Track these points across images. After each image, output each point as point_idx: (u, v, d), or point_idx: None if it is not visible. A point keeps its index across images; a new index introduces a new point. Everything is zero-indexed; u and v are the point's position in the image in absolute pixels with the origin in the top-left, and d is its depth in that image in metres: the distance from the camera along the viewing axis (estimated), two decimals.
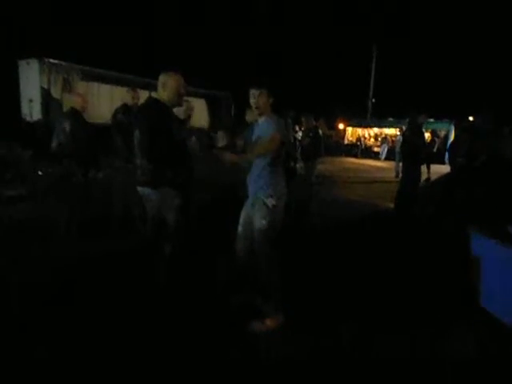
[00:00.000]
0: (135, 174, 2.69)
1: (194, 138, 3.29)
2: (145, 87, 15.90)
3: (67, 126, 4.07)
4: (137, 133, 2.57)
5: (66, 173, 4.04)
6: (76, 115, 4.24)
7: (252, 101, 2.57)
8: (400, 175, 11.12)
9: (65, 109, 13.65)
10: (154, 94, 2.73)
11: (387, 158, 18.32)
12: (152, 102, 2.66)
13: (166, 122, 2.58)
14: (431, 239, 4.62)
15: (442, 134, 17.14)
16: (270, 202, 2.48)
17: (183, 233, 2.72)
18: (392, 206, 6.42)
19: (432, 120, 16.61)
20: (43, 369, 2.01)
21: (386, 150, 19.47)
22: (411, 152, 5.87)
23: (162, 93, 2.65)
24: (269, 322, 2.48)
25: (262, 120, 2.63)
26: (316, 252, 4.08)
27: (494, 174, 4.94)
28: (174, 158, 2.61)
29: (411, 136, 6.03)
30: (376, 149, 21.05)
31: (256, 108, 2.58)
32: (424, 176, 7.19)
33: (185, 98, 4.01)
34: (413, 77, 31.08)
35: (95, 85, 14.70)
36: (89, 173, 4.20)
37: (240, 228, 2.70)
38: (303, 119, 6.54)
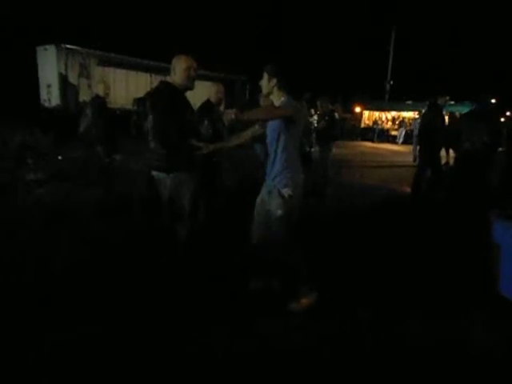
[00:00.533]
0: (149, 159, 2.71)
1: (206, 122, 3.26)
2: (161, 72, 15.97)
3: (89, 112, 4.26)
4: (150, 118, 2.57)
5: (92, 156, 4.24)
6: (98, 101, 4.38)
7: (264, 84, 2.52)
8: (418, 159, 10.91)
9: (81, 94, 13.95)
10: (168, 79, 2.73)
11: (405, 142, 17.93)
12: (164, 86, 2.65)
13: (178, 106, 2.56)
14: (446, 224, 4.55)
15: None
16: (286, 192, 2.43)
17: (198, 217, 2.76)
18: (409, 190, 6.33)
19: (453, 102, 16.06)
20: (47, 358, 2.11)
21: (403, 133, 19.04)
22: (429, 134, 5.74)
23: (173, 76, 2.63)
24: (304, 301, 2.54)
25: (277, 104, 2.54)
26: (330, 236, 4.08)
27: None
28: (186, 141, 2.61)
29: (430, 117, 5.88)
30: (393, 132, 20.60)
31: (269, 91, 2.53)
32: (443, 160, 7.03)
33: (215, 82, 3.98)
34: (432, 59, 29.93)
35: (111, 70, 14.78)
36: (111, 156, 4.37)
37: (255, 213, 2.67)
38: (318, 103, 6.45)
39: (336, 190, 6.38)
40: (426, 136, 5.81)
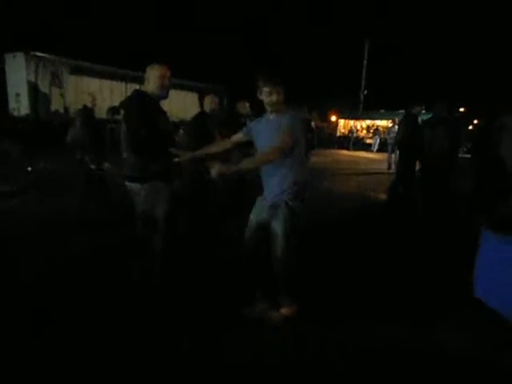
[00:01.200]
0: (123, 169, 2.64)
1: (181, 131, 3.27)
2: (136, 81, 15.78)
3: (78, 122, 4.42)
4: (123, 127, 2.53)
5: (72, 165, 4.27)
6: (86, 112, 4.55)
7: (266, 99, 2.33)
8: (393, 167, 11.22)
9: (54, 103, 13.53)
10: (142, 88, 2.68)
11: (379, 150, 18.40)
12: (137, 95, 2.61)
13: (152, 115, 2.52)
14: (424, 231, 4.67)
15: None
16: (297, 205, 2.35)
17: (174, 227, 2.70)
18: (384, 197, 6.47)
19: (424, 111, 16.68)
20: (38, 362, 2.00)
21: (378, 141, 19.55)
22: (407, 142, 5.91)
23: (147, 85, 2.60)
24: (285, 312, 2.46)
25: (273, 116, 2.40)
26: (308, 244, 4.08)
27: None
28: (161, 151, 2.56)
29: (407, 126, 6.06)
30: (368, 140, 21.12)
31: (270, 106, 2.36)
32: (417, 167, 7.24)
33: (210, 95, 4.10)
34: (404, 69, 31.14)
35: (85, 79, 14.47)
36: (101, 164, 4.43)
37: (253, 218, 2.52)
38: (296, 111, 6.52)
39: (313, 198, 6.42)
40: (404, 145, 5.99)
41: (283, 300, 2.50)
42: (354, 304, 2.80)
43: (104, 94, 14.93)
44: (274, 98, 2.31)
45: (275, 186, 2.39)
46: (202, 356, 2.13)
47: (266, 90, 2.31)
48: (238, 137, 2.63)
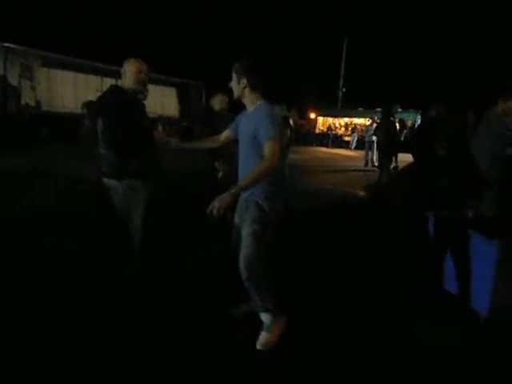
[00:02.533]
0: (99, 166, 2.57)
1: (160, 127, 3.19)
2: (112, 75, 15.36)
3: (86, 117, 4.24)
4: (99, 122, 2.47)
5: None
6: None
7: (233, 89, 2.21)
8: (369, 164, 11.46)
9: (24, 96, 12.99)
10: (119, 83, 2.63)
11: (357, 148, 18.74)
12: (113, 90, 2.56)
13: (129, 110, 2.47)
14: (400, 227, 4.80)
15: (409, 123, 17.73)
16: (267, 204, 2.14)
17: (149, 227, 2.65)
18: (361, 193, 6.63)
19: (400, 110, 17.12)
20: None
21: (355, 139, 19.90)
22: (388, 140, 6.11)
23: (123, 80, 2.56)
24: (267, 338, 2.19)
25: (251, 110, 2.21)
26: (286, 240, 4.12)
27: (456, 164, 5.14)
28: (138, 147, 2.52)
29: (387, 125, 6.26)
30: (346, 138, 21.47)
31: (240, 97, 2.21)
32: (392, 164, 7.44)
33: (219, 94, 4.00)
34: (381, 68, 31.79)
35: (58, 72, 13.96)
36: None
37: (235, 219, 2.36)
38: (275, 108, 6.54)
39: (292, 194, 6.48)
40: (386, 142, 6.20)
41: (263, 317, 2.20)
42: (330, 300, 2.85)
43: (79, 88, 14.49)
44: (236, 86, 2.18)
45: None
46: (193, 354, 2.12)
47: (233, 76, 2.19)
48: (227, 134, 2.51)
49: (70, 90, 14.25)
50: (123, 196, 2.54)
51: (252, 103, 2.19)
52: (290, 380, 1.99)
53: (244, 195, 2.22)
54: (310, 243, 4.10)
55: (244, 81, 2.14)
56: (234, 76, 2.17)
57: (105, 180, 2.58)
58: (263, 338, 2.18)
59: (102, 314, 2.40)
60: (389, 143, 6.17)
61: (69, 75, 14.25)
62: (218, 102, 4.72)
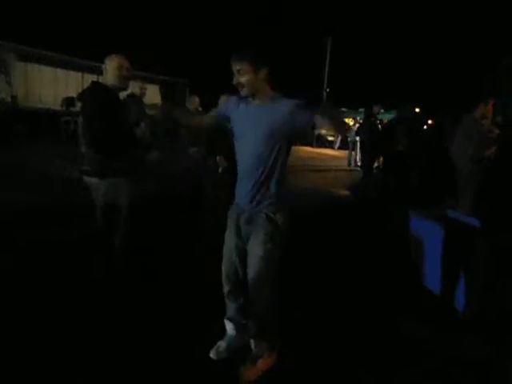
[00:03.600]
0: (81, 164, 2.51)
1: (143, 125, 3.14)
2: (94, 71, 15.01)
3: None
4: (80, 119, 2.43)
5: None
6: None
7: (235, 82, 1.84)
8: (352, 163, 11.62)
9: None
10: (100, 79, 2.59)
11: (340, 147, 18.94)
12: (95, 87, 2.51)
13: (111, 108, 2.42)
14: (381, 226, 4.88)
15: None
16: (279, 218, 1.86)
17: (135, 224, 2.61)
18: (344, 193, 6.73)
19: (383, 111, 17.40)
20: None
21: (339, 139, 20.09)
22: (370, 140, 6.25)
23: (105, 76, 2.51)
24: (261, 364, 1.96)
25: (256, 103, 1.87)
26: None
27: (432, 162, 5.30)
28: (121, 145, 2.47)
29: (370, 125, 6.40)
30: (330, 138, 21.66)
31: (241, 91, 1.84)
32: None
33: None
34: (365, 69, 32.28)
35: (36, 67, 13.54)
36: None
37: (227, 251, 1.99)
38: None
39: None
40: (367, 142, 6.34)
41: (260, 348, 1.96)
42: (311, 299, 2.87)
43: (59, 84, 14.10)
44: (243, 78, 1.79)
45: (252, 194, 1.87)
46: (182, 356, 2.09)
47: (233, 70, 1.82)
48: (212, 120, 2.14)
49: (48, 86, 13.85)
50: (105, 195, 2.49)
51: (265, 96, 1.86)
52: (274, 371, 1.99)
53: (245, 207, 1.90)
54: (291, 243, 4.11)
55: (265, 71, 1.82)
56: (248, 66, 1.78)
57: (86, 178, 2.52)
58: (249, 366, 1.95)
59: (78, 317, 2.34)
60: (371, 143, 6.29)
61: (47, 70, 13.85)
62: (191, 102, 4.80)
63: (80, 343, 2.10)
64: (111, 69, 2.48)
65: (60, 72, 14.18)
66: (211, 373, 1.97)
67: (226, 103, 2.07)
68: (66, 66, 14.32)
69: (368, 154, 6.54)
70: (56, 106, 13.85)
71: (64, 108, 13.92)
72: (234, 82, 1.83)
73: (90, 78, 14.78)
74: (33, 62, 13.31)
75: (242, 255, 1.94)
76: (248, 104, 1.91)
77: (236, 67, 1.81)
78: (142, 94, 4.38)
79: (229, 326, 2.12)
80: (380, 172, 6.37)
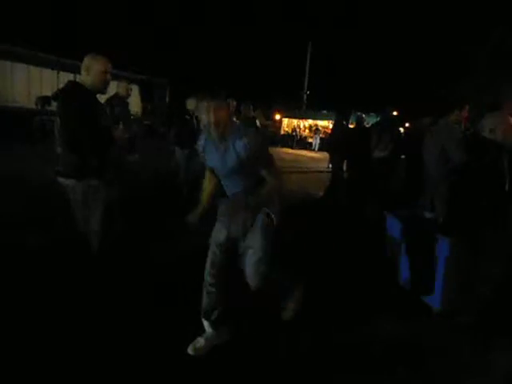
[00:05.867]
0: (56, 165, 2.45)
1: (120, 126, 3.10)
2: (69, 69, 14.61)
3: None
4: (58, 120, 2.37)
5: None
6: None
7: (205, 116, 1.91)
8: (330, 165, 11.80)
9: None
10: (78, 78, 2.51)
11: (320, 149, 19.21)
12: (74, 87, 2.46)
13: (90, 109, 2.38)
14: (357, 226, 4.98)
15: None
16: (274, 217, 2.04)
17: (110, 229, 2.54)
18: (323, 194, 6.84)
19: (359, 113, 17.74)
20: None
21: (318, 140, 20.40)
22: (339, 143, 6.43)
23: (85, 77, 2.43)
24: (293, 305, 2.28)
25: (227, 141, 1.95)
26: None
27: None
28: (99, 146, 2.42)
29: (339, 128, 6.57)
30: (310, 140, 21.95)
31: (215, 126, 1.91)
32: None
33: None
34: (343, 73, 32.88)
35: (8, 64, 13.05)
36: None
37: (215, 251, 2.10)
38: (242, 108, 6.52)
39: None
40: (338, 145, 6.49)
41: (288, 297, 2.28)
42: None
43: (33, 82, 13.65)
44: (210, 117, 1.89)
45: (234, 191, 2.07)
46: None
47: (202, 105, 1.92)
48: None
49: (21, 84, 13.38)
50: (82, 196, 2.42)
51: (235, 131, 2.00)
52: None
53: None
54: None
55: (217, 109, 1.93)
56: (226, 107, 2.00)
57: (61, 180, 2.45)
58: (291, 307, 2.26)
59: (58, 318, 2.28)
60: (338, 146, 6.53)
61: (21, 68, 13.38)
62: (190, 103, 4.82)
63: (65, 341, 2.05)
64: (97, 72, 2.43)
65: (33, 69, 13.72)
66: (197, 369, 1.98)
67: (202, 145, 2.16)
68: (39, 63, 13.88)
69: (337, 157, 6.72)
70: (30, 104, 13.40)
71: (39, 107, 13.48)
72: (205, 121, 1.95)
73: (65, 77, 14.42)
74: (4, 58, 12.81)
75: (230, 249, 2.08)
76: (212, 140, 2.04)
77: (211, 105, 1.92)
78: (127, 95, 4.37)
79: (206, 324, 2.17)
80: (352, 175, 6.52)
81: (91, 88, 2.45)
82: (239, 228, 2.04)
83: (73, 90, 2.43)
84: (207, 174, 2.28)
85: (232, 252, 2.11)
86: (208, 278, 2.10)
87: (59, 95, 2.46)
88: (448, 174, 2.96)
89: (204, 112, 1.90)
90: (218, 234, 2.10)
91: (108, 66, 2.48)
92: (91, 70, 2.42)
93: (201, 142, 2.14)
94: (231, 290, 2.17)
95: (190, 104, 5.12)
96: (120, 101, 4.26)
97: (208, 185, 2.29)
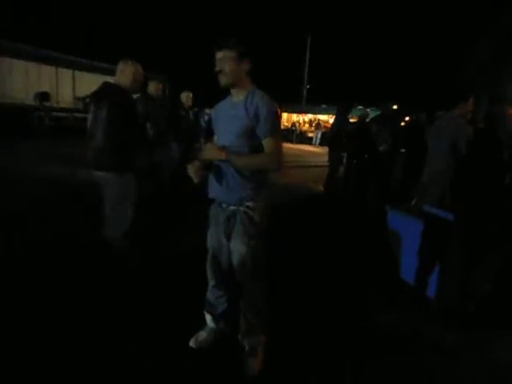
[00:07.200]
0: (94, 159, 2.67)
1: (148, 125, 3.16)
2: (69, 66, 14.53)
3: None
4: (101, 115, 2.58)
5: None
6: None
7: (217, 70, 1.78)
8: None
9: None
10: (112, 80, 2.80)
11: (320, 144, 19.16)
12: (114, 87, 2.74)
13: (129, 107, 2.71)
14: (359, 220, 4.98)
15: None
16: (258, 214, 1.84)
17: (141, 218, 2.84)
18: (323, 188, 6.84)
19: (361, 107, 17.69)
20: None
21: (319, 135, 20.34)
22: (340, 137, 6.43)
23: (120, 79, 2.75)
24: (261, 353, 2.01)
25: (240, 98, 1.81)
26: None
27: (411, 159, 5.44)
28: (135, 143, 2.76)
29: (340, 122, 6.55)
30: (310, 134, 21.88)
31: (221, 80, 1.79)
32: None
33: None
34: (345, 65, 32.69)
35: (6, 60, 12.98)
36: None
37: (211, 248, 2.04)
38: None
39: None
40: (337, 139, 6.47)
41: (256, 339, 2.00)
42: (295, 293, 2.91)
43: (30, 77, 13.58)
44: (225, 66, 1.75)
45: (232, 189, 1.84)
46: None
47: (216, 57, 1.77)
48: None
49: (20, 80, 13.32)
50: (119, 188, 2.67)
51: (245, 90, 1.82)
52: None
53: (222, 206, 1.89)
54: (278, 235, 4.13)
55: (248, 62, 1.80)
56: (231, 55, 1.75)
57: (99, 173, 2.68)
58: (252, 363, 1.97)
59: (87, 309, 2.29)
60: (337, 141, 6.52)
61: (20, 64, 13.31)
62: (184, 97, 4.87)
63: (68, 335, 2.07)
64: (128, 73, 2.74)
65: (31, 66, 13.64)
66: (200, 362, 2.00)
67: (213, 114, 2.04)
68: (38, 59, 13.79)
69: (333, 152, 6.70)
70: (28, 100, 13.36)
71: (37, 103, 13.44)
72: (216, 69, 1.78)
73: (64, 73, 14.36)
74: (2, 54, 12.74)
75: (226, 252, 1.98)
76: (224, 102, 1.94)
77: (219, 54, 1.76)
78: (157, 95, 4.36)
79: (208, 318, 2.18)
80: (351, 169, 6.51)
81: (126, 88, 2.74)
82: (223, 231, 1.92)
83: (112, 90, 2.71)
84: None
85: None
86: (211, 275, 2.10)
87: (98, 95, 2.71)
88: (457, 168, 2.94)
89: (232, 61, 1.75)
90: (210, 238, 2.04)
91: (139, 68, 2.80)
92: (124, 72, 2.75)
93: (213, 110, 2.02)
94: (234, 286, 2.14)
95: (184, 98, 5.08)
96: (146, 100, 4.20)
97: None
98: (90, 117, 2.67)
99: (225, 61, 1.75)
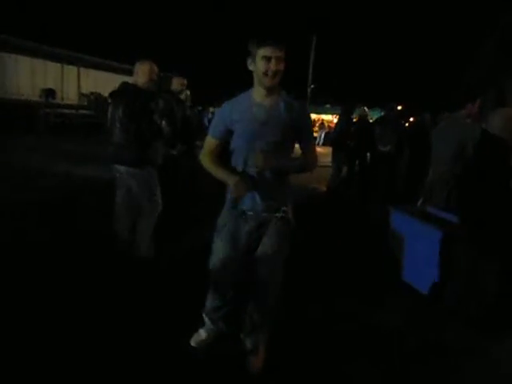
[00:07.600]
0: (117, 153, 2.86)
1: (164, 122, 3.15)
2: (74, 63, 14.56)
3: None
4: (117, 113, 2.77)
5: None
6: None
7: (262, 69, 1.61)
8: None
9: None
10: (130, 80, 2.96)
11: (324, 144, 19.07)
12: (132, 86, 2.90)
13: (148, 104, 2.86)
14: (361, 221, 4.97)
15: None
16: (291, 213, 1.91)
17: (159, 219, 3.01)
18: (326, 189, 6.85)
19: (364, 107, 17.60)
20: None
21: (323, 135, 20.26)
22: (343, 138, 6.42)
23: (136, 78, 2.89)
24: (262, 352, 1.99)
25: (264, 99, 1.72)
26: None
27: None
28: (153, 139, 2.90)
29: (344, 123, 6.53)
30: (314, 134, 21.79)
31: (269, 81, 1.64)
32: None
33: None
34: (349, 66, 32.61)
35: (12, 56, 13.04)
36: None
37: (228, 249, 1.88)
38: None
39: None
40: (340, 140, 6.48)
41: (260, 337, 1.97)
42: (297, 294, 2.90)
43: (36, 74, 13.64)
44: (280, 67, 1.62)
45: (269, 198, 1.79)
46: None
47: (264, 54, 1.59)
48: (218, 147, 1.87)
49: (26, 76, 13.38)
50: (140, 181, 2.87)
51: (276, 93, 1.74)
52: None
53: (248, 214, 1.81)
54: None
55: (284, 59, 1.66)
56: (283, 57, 1.63)
57: (121, 167, 2.86)
58: (254, 361, 1.96)
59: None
60: (339, 141, 6.50)
61: (25, 60, 13.37)
62: (177, 83, 4.37)
63: (68, 333, 2.08)
64: (143, 72, 2.88)
65: (37, 62, 13.70)
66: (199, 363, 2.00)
67: (222, 121, 1.81)
68: (43, 55, 13.84)
69: (337, 152, 6.68)
70: (34, 96, 13.41)
71: (43, 99, 13.49)
72: (270, 69, 1.61)
73: (70, 70, 14.39)
74: (8, 51, 12.80)
75: (241, 263, 1.90)
76: (243, 103, 1.76)
77: (275, 53, 1.60)
78: (181, 91, 4.25)
79: (206, 319, 2.15)
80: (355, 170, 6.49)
81: (143, 87, 2.88)
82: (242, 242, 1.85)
83: (131, 89, 2.86)
84: (206, 157, 1.87)
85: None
86: (217, 289, 2.04)
87: (114, 94, 2.92)
88: (463, 170, 2.91)
89: (263, 60, 1.61)
90: (223, 251, 1.89)
91: (153, 68, 2.93)
92: (140, 72, 2.88)
93: (224, 108, 1.82)
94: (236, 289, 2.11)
95: (175, 84, 4.29)
96: (167, 97, 4.03)
97: (212, 159, 1.86)
98: (108, 115, 2.90)
99: (281, 60, 1.63)
